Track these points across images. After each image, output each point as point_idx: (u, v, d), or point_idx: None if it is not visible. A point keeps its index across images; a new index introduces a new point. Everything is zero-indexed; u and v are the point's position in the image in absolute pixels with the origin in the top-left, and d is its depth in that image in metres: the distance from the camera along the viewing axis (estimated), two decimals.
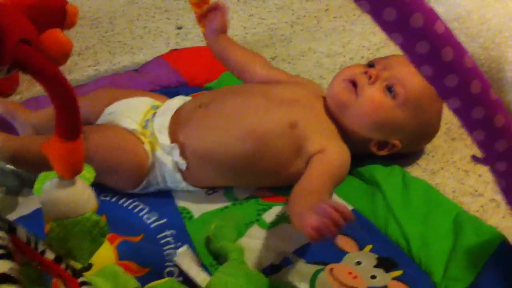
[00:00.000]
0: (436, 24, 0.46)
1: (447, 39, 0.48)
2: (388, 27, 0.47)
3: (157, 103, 1.01)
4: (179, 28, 1.47)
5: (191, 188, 0.93)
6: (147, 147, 0.92)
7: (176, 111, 0.96)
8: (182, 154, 0.91)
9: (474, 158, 0.54)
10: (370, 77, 0.93)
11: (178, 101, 1.00)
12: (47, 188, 0.66)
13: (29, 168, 0.92)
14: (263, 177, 0.89)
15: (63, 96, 0.61)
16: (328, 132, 0.94)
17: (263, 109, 0.93)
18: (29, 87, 1.21)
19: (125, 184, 0.92)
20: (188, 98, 1.02)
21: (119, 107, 0.99)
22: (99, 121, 0.99)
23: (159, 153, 0.92)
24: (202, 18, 1.11)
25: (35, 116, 1.03)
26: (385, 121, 0.93)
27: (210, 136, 0.92)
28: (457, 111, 0.51)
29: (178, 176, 0.92)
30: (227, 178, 0.93)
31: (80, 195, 0.66)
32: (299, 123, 0.91)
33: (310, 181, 0.86)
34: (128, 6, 1.57)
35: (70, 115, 0.62)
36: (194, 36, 1.42)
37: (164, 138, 0.92)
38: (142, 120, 0.96)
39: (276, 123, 0.91)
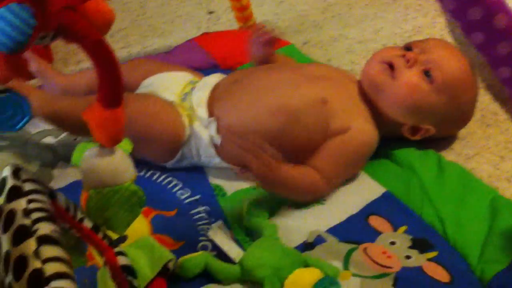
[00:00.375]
0: None
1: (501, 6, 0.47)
2: None
3: (194, 78, 1.01)
4: (211, 12, 1.47)
5: (224, 164, 0.93)
6: (185, 119, 0.93)
7: (213, 87, 0.96)
8: (218, 129, 0.91)
9: None
10: (408, 61, 0.92)
11: (215, 78, 1.00)
12: (87, 156, 0.66)
13: (66, 129, 0.93)
14: (292, 154, 0.89)
15: (107, 63, 0.61)
16: (358, 111, 0.94)
17: (296, 84, 0.94)
18: (63, 67, 1.23)
19: (160, 155, 0.93)
20: (224, 75, 1.02)
21: (158, 79, 1.00)
22: (137, 92, 1.00)
23: (197, 125, 0.92)
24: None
25: (65, 79, 1.05)
26: (420, 105, 0.92)
27: (243, 110, 0.92)
28: (506, 81, 0.50)
29: (212, 151, 0.92)
30: None
31: (120, 164, 0.67)
32: (330, 100, 0.92)
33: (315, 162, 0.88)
34: None
35: (113, 82, 0.63)
36: (225, 21, 1.43)
37: (202, 112, 0.93)
38: (181, 93, 0.96)
39: (308, 98, 0.92)
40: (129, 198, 0.68)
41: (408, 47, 0.97)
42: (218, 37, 1.30)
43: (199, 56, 1.23)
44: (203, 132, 0.92)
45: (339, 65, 1.25)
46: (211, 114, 0.93)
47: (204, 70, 1.18)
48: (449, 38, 1.31)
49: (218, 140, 0.91)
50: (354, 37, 1.35)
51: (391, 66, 0.94)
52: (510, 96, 0.53)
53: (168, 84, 0.98)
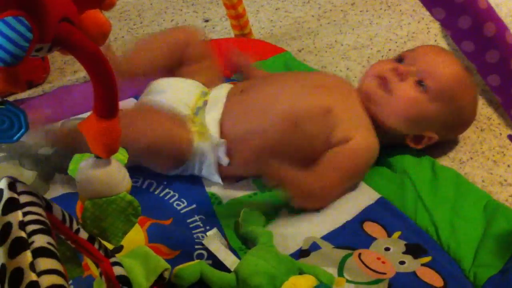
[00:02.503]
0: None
1: (490, 14, 0.48)
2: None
3: (205, 88, 1.01)
4: (206, 20, 1.48)
5: (221, 181, 0.93)
6: (194, 136, 0.92)
7: (224, 104, 0.96)
8: (228, 151, 0.92)
9: (510, 137, 0.54)
10: (400, 74, 0.93)
11: (224, 89, 1.00)
12: (83, 167, 0.67)
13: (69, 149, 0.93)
14: (294, 163, 0.89)
15: (103, 74, 0.62)
16: (360, 121, 0.94)
17: (300, 92, 0.94)
18: (60, 77, 1.24)
19: (164, 167, 0.93)
20: (230, 85, 1.03)
21: (170, 87, 0.99)
22: (148, 96, 0.99)
23: (205, 144, 0.92)
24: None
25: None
26: (420, 116, 0.93)
27: (250, 122, 0.92)
28: (496, 89, 0.51)
29: (215, 169, 0.92)
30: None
31: (115, 174, 0.68)
32: (334, 109, 0.92)
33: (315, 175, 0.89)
34: None
35: (109, 93, 0.63)
36: (221, 29, 1.44)
37: (214, 131, 0.92)
38: (194, 106, 0.96)
39: (313, 107, 0.92)
40: (125, 208, 0.69)
41: (399, 59, 0.97)
42: (214, 45, 1.31)
43: None
44: (210, 151, 0.92)
45: (334, 71, 1.27)
46: (221, 132, 0.93)
47: None
48: (443, 44, 1.32)
49: (226, 161, 0.92)
50: (349, 44, 1.36)
51: (385, 81, 0.94)
52: (501, 103, 0.54)
53: (181, 96, 0.97)
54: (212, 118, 0.94)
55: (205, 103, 0.97)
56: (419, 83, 0.93)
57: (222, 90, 1.00)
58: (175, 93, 0.97)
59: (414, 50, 0.99)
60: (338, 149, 0.90)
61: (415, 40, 1.36)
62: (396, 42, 1.36)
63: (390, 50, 1.33)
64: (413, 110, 0.93)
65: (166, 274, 0.75)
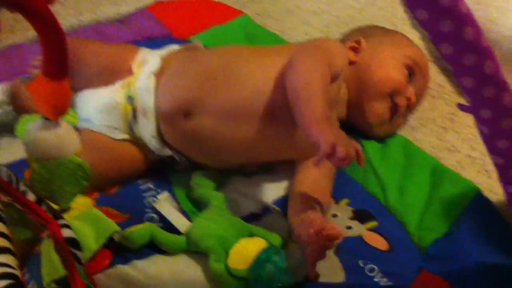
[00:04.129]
0: None
1: None
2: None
3: (128, 88, 0.87)
4: None
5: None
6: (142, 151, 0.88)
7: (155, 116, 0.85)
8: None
9: (460, 106, 0.56)
10: (408, 106, 0.92)
11: (152, 82, 0.87)
12: (31, 128, 0.65)
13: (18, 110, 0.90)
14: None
15: (52, 34, 0.60)
16: None
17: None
18: (10, 35, 1.20)
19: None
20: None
21: (91, 111, 0.87)
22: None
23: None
24: None
25: None
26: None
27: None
28: (448, 58, 0.52)
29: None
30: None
31: (64, 136, 0.67)
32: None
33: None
34: None
35: (58, 54, 0.62)
36: None
37: (154, 144, 0.86)
38: (126, 126, 0.86)
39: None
40: (74, 171, 0.68)
41: (410, 71, 0.92)
42: (171, 6, 1.29)
43: (152, 25, 1.22)
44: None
45: (293, 36, 1.26)
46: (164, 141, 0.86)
47: (157, 40, 1.18)
48: (400, 11, 1.33)
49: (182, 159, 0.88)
50: (309, 9, 1.36)
51: (396, 110, 0.91)
52: (452, 72, 0.55)
53: (107, 117, 0.86)
54: (147, 133, 0.86)
55: (135, 113, 0.86)
56: (410, 110, 0.95)
57: (144, 82, 0.86)
58: (98, 119, 0.87)
59: (421, 65, 0.94)
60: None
61: (374, 5, 1.36)
62: (356, 8, 1.36)
63: (349, 16, 1.33)
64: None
65: (116, 237, 0.75)
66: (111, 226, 0.75)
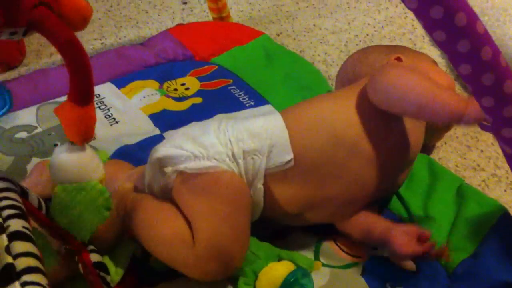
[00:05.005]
0: None
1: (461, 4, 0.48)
2: None
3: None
4: (185, 3, 1.47)
5: None
6: None
7: None
8: None
9: (481, 126, 0.56)
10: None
11: None
12: (57, 151, 0.66)
13: None
14: None
15: (77, 61, 0.62)
16: None
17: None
18: (36, 59, 1.22)
19: None
20: None
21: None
22: None
23: None
24: None
25: None
26: None
27: None
28: (467, 78, 0.52)
29: None
30: None
31: (88, 161, 0.67)
32: None
33: None
34: None
35: (83, 80, 0.63)
36: (199, 12, 1.43)
37: None
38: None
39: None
40: (95, 198, 0.67)
41: None
42: (192, 28, 1.30)
43: (173, 47, 1.23)
44: None
45: (312, 55, 1.27)
46: None
47: (178, 61, 1.19)
48: (419, 29, 1.33)
49: None
50: (328, 28, 1.37)
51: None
52: (472, 92, 0.55)
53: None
54: None
55: None
56: None
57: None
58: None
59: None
60: None
61: (392, 24, 1.37)
62: (374, 27, 1.37)
63: (367, 34, 1.34)
64: None
65: (138, 253, 0.74)
66: (128, 244, 0.75)
